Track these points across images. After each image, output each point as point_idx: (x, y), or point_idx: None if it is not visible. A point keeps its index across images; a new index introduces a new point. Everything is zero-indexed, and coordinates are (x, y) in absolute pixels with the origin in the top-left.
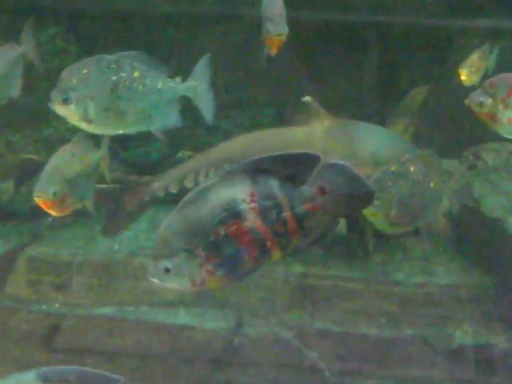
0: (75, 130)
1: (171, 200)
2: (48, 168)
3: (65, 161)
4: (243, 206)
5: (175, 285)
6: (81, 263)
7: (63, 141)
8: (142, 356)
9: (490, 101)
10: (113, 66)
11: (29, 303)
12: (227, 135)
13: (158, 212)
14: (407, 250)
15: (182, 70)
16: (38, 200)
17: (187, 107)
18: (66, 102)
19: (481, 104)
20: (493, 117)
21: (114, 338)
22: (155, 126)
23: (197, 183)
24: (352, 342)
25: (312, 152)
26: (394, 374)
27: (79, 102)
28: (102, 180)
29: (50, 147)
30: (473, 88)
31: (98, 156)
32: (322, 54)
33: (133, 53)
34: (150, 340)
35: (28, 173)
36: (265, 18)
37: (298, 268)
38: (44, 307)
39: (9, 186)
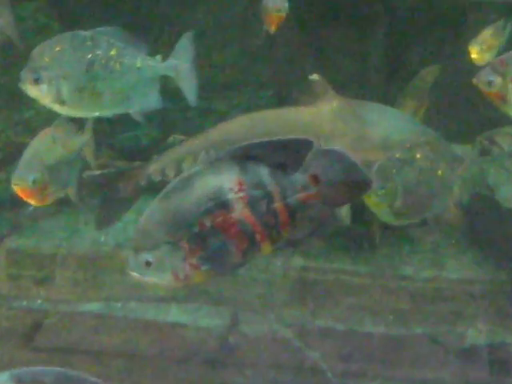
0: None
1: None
2: (27, 154)
3: (45, 146)
4: (231, 196)
5: (157, 279)
6: (65, 256)
7: (46, 124)
8: (130, 356)
9: (499, 80)
10: (88, 42)
11: (8, 299)
12: (222, 118)
13: (146, 201)
14: (416, 242)
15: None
16: (17, 188)
17: (177, 88)
18: (37, 81)
19: (489, 83)
20: (502, 97)
21: (100, 337)
22: (134, 108)
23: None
24: (356, 341)
25: (305, 137)
26: (402, 375)
27: (51, 82)
28: (87, 166)
29: (32, 130)
30: None
31: (82, 140)
32: (324, 30)
33: (110, 29)
34: (139, 339)
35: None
36: None
37: (298, 261)
38: (25, 303)
39: None
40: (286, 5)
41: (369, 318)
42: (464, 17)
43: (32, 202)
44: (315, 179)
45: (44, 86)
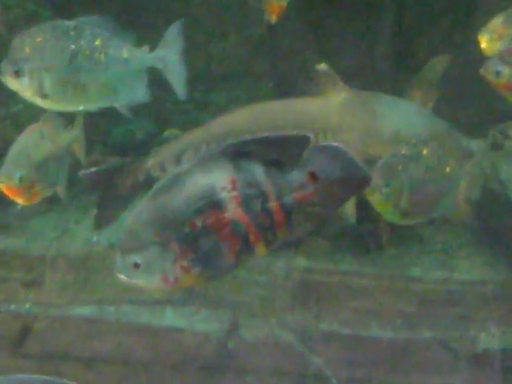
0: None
1: None
2: (14, 150)
3: (33, 142)
4: (223, 195)
5: (145, 282)
6: (55, 257)
7: (34, 119)
8: (124, 362)
9: (507, 70)
10: (71, 32)
11: None
12: (220, 111)
13: (141, 199)
14: (425, 242)
15: None
16: (3, 186)
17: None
18: (17, 74)
19: (497, 74)
20: (511, 88)
21: (92, 342)
22: (120, 102)
23: None
24: (362, 346)
25: (302, 133)
26: (410, 382)
27: (33, 75)
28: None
29: (19, 125)
30: None
31: (71, 136)
32: (327, 18)
33: (94, 18)
34: (133, 344)
35: None
36: None
37: (301, 262)
38: (13, 307)
39: None
40: None
41: (375, 322)
42: (475, 3)
43: (19, 200)
44: (313, 177)
45: (25, 79)
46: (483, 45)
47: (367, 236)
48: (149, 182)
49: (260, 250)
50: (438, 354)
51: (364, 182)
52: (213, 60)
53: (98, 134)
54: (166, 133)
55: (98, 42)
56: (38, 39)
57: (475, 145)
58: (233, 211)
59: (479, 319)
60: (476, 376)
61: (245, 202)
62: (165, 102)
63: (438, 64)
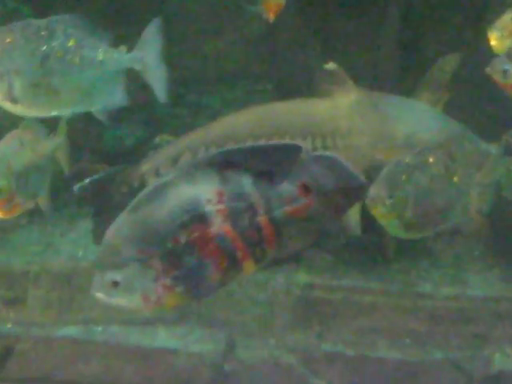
0: None
1: None
2: None
3: (12, 150)
4: (209, 208)
5: (125, 301)
6: (38, 273)
7: (13, 125)
8: None
9: None
10: (42, 32)
11: None
12: (215, 115)
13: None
14: (435, 255)
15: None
16: None
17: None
18: None
19: (505, 73)
20: None
21: (78, 365)
22: (96, 106)
23: None
24: (368, 368)
25: (293, 142)
26: None
27: (2, 78)
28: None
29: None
30: None
31: (54, 144)
32: (331, 15)
33: (67, 16)
34: (121, 367)
35: None
36: None
37: (302, 277)
38: None
39: None
40: None
41: (382, 342)
42: None
43: None
44: (305, 189)
45: None
46: (493, 42)
47: (373, 248)
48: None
49: (248, 266)
50: (450, 375)
51: (359, 191)
52: (207, 60)
53: (87, 141)
54: (157, 139)
55: (71, 43)
56: (7, 40)
57: (494, 148)
58: (219, 226)
59: (493, 338)
60: None
61: (232, 216)
62: (156, 105)
63: (448, 63)
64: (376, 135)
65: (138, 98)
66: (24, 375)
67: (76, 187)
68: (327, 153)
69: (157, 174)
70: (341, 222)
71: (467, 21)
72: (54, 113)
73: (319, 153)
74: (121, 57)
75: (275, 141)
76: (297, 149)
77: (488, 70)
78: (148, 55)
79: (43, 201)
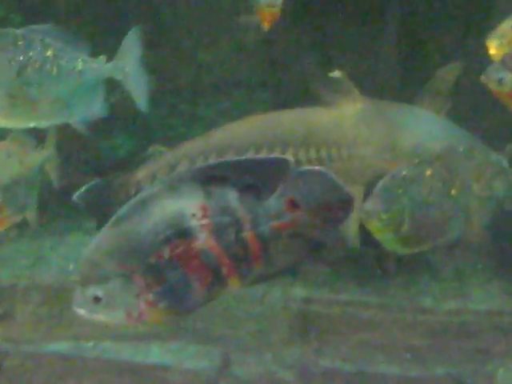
0: None
1: None
2: None
3: None
4: (193, 223)
5: (107, 317)
6: (27, 287)
7: (1, 137)
8: None
9: (510, 77)
10: (19, 42)
11: None
12: (210, 125)
13: None
14: (436, 268)
15: None
16: None
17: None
18: None
19: (500, 81)
20: None
21: (68, 381)
22: (75, 118)
23: None
24: None
25: (280, 156)
26: None
27: None
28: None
29: None
30: None
31: (42, 155)
32: (328, 23)
33: (45, 26)
34: (114, 383)
35: None
36: None
37: (299, 291)
38: None
39: None
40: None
41: (382, 357)
42: (489, 5)
43: None
44: (292, 205)
45: None
46: (492, 51)
47: (372, 261)
48: None
49: (233, 283)
50: None
51: (347, 205)
52: (201, 69)
53: (79, 151)
54: (150, 149)
55: (49, 53)
56: None
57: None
58: (203, 241)
59: (496, 353)
60: None
61: (216, 231)
62: (149, 115)
63: (449, 72)
64: (382, 145)
65: (130, 108)
66: None
67: (75, 196)
68: (315, 167)
69: (153, 180)
70: (338, 235)
71: (469, 29)
72: (32, 124)
73: (307, 168)
74: (100, 67)
75: (262, 155)
76: (284, 163)
77: (483, 78)
78: (128, 64)
79: (31, 214)
